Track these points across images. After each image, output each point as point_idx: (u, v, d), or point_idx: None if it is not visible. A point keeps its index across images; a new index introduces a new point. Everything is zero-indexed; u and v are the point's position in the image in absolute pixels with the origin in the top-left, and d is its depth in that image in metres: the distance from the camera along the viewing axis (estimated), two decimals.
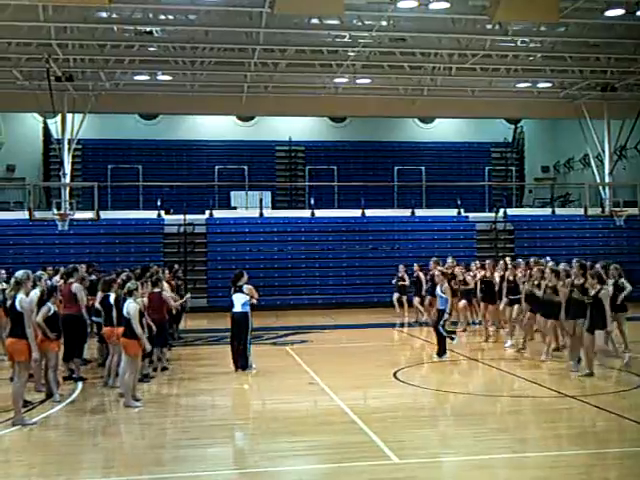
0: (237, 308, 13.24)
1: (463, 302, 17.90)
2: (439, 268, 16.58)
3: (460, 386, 12.40)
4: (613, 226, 27.04)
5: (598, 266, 14.02)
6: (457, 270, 18.30)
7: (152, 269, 14.80)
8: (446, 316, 14.15)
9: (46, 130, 30.63)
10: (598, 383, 11.66)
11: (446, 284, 14.49)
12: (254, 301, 13.39)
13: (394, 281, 21.66)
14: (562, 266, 14.27)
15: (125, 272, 12.64)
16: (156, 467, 7.98)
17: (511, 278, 15.48)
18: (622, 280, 13.73)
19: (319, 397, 11.27)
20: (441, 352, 14.16)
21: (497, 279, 16.08)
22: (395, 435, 8.90)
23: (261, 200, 27.39)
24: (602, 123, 28.04)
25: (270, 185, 31.04)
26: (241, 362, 13.25)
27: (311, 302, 24.74)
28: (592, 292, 11.85)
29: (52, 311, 10.72)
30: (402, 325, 20.40)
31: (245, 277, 13.44)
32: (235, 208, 28.70)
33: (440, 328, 14.11)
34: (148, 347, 10.74)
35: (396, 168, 30.59)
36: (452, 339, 14.35)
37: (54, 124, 28.42)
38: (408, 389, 11.90)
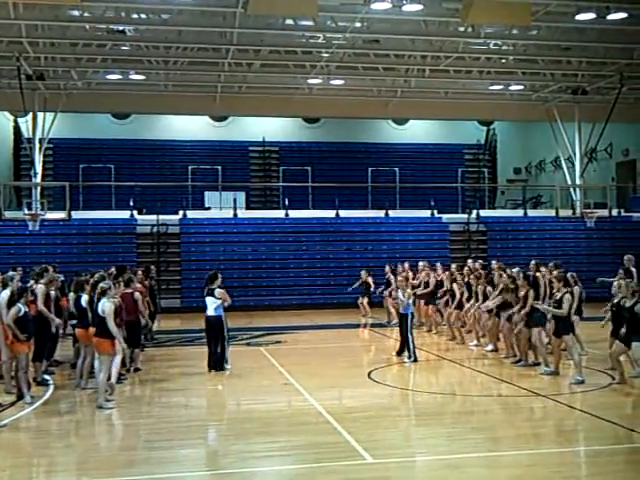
0: (210, 312, 13.19)
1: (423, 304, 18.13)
2: (402, 274, 16.63)
3: (434, 386, 12.47)
4: (584, 227, 27.39)
5: (544, 270, 14.43)
6: (410, 274, 18.51)
7: (128, 271, 14.67)
8: (409, 322, 14.10)
9: (17, 129, 30.28)
10: (567, 382, 11.77)
11: (409, 290, 14.58)
12: (226, 304, 13.32)
13: (352, 287, 21.73)
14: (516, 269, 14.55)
15: (99, 273, 12.51)
16: (129, 469, 7.92)
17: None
18: (576, 288, 13.90)
19: (293, 397, 11.26)
20: (406, 353, 14.13)
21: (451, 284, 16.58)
22: (369, 435, 8.92)
23: (235, 200, 27.30)
24: (573, 126, 28.38)
25: (244, 185, 30.99)
26: (217, 363, 13.19)
27: (285, 303, 24.70)
28: (557, 296, 12.03)
29: (22, 312, 10.58)
30: (365, 325, 20.50)
31: (219, 279, 13.35)
32: (209, 208, 28.58)
33: (408, 334, 14.09)
34: (124, 346, 10.66)
35: (370, 169, 30.67)
36: (410, 357, 13.96)
37: (25, 123, 28.08)
38: (382, 389, 11.93)
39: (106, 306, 10.49)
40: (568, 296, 11.86)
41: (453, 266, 17.50)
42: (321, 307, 24.35)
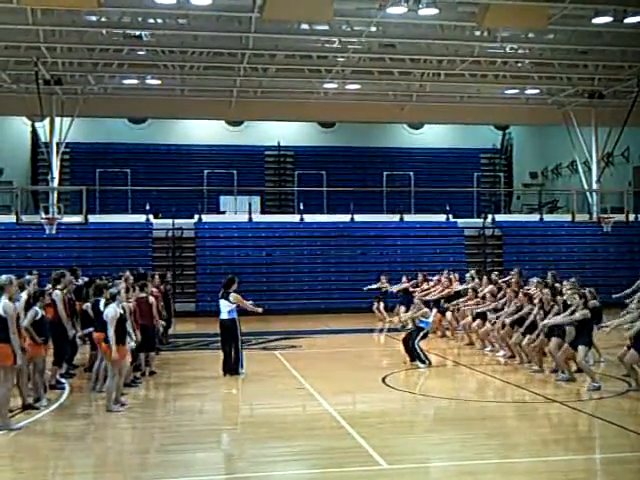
0: (223, 315, 13.27)
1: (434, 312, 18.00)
2: (419, 296, 16.53)
3: (448, 391, 12.40)
4: (600, 233, 27.17)
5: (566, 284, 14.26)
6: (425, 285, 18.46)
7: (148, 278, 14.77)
8: (420, 335, 14.03)
9: (34, 134, 30.48)
10: (583, 388, 11.68)
11: (426, 309, 14.50)
12: (250, 309, 13.39)
13: (373, 287, 21.76)
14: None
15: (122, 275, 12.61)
16: (143, 472, 7.94)
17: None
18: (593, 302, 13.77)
19: (308, 402, 11.25)
20: (424, 361, 14.06)
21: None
22: (383, 440, 8.89)
23: (250, 205, 27.35)
24: (590, 130, 28.21)
25: (259, 190, 31.04)
26: (232, 367, 13.22)
27: (300, 307, 24.68)
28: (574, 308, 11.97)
29: (39, 315, 10.64)
30: (382, 330, 20.47)
31: (236, 284, 13.42)
32: (224, 213, 28.65)
33: (416, 345, 14.04)
34: (115, 355, 10.39)
35: (385, 173, 30.64)
36: (423, 362, 13.97)
37: (42, 128, 28.23)
38: (397, 394, 11.89)
39: (109, 312, 10.48)
40: (586, 311, 11.80)
41: (494, 275, 17.21)
42: (336, 311, 24.32)
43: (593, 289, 13.81)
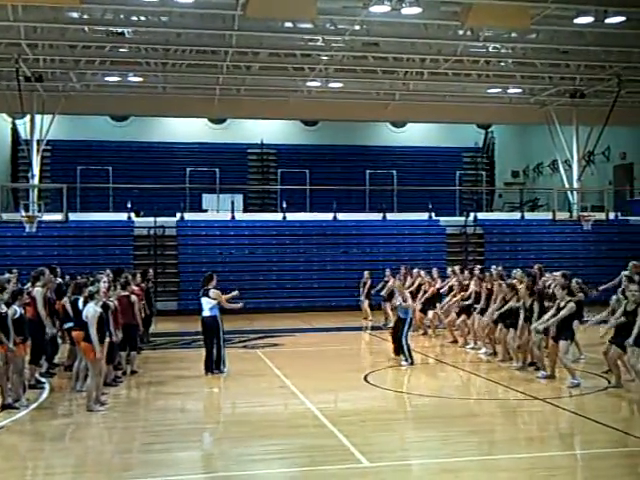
0: (205, 312, 13.24)
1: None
2: (397, 281, 16.44)
3: (430, 389, 12.45)
4: (580, 231, 27.36)
5: (549, 276, 14.49)
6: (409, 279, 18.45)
7: (124, 275, 14.65)
8: (406, 327, 14.05)
9: (14, 131, 30.28)
10: (564, 386, 11.76)
11: (406, 294, 14.51)
12: (227, 307, 13.33)
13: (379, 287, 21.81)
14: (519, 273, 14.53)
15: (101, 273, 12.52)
16: (124, 472, 7.90)
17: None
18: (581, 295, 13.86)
19: (290, 400, 11.25)
20: (407, 359, 14.08)
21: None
22: (365, 438, 8.91)
23: (233, 203, 27.27)
24: (571, 129, 28.40)
25: (242, 188, 30.97)
26: (214, 365, 13.19)
27: (282, 305, 24.66)
28: (562, 304, 12.01)
29: (18, 314, 10.54)
30: (366, 328, 20.49)
31: (215, 280, 13.38)
32: (206, 211, 28.56)
33: (403, 339, 14.08)
34: (99, 354, 10.34)
35: (368, 172, 30.66)
36: (406, 360, 13.95)
37: (23, 125, 28.07)
38: (378, 392, 11.92)
39: (89, 311, 10.38)
40: (572, 305, 11.88)
41: (477, 270, 17.14)
42: (318, 310, 24.32)
43: (581, 280, 13.93)
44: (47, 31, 20.70)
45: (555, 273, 14.68)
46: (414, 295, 17.35)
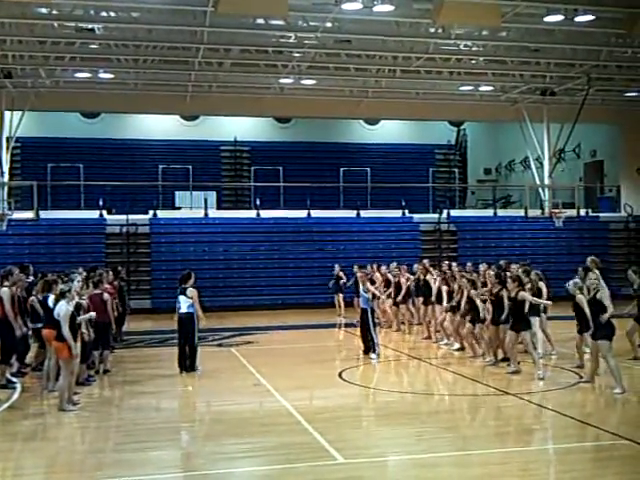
0: (183, 309, 13.20)
1: (389, 303, 18.16)
2: (362, 270, 16.57)
3: (404, 385, 12.52)
4: (552, 227, 27.69)
5: (515, 267, 14.71)
6: (377, 275, 18.48)
7: (98, 272, 14.52)
8: (370, 316, 14.22)
9: None
10: (537, 381, 11.89)
11: (368, 284, 14.68)
12: (199, 313, 13.24)
13: (331, 283, 21.90)
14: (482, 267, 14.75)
15: (74, 272, 12.37)
16: (98, 471, 7.83)
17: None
18: (541, 283, 14.05)
19: (264, 398, 11.23)
20: (371, 349, 14.20)
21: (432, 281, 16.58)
22: (340, 435, 8.93)
23: (206, 200, 27.15)
24: (542, 126, 28.67)
25: (215, 185, 30.83)
26: (188, 363, 13.14)
27: (257, 303, 24.63)
28: (512, 294, 12.30)
29: None
30: (340, 326, 20.55)
31: (192, 279, 13.35)
32: (179, 208, 28.39)
33: (372, 331, 14.19)
34: (75, 352, 10.24)
35: (341, 169, 30.69)
36: (374, 351, 14.19)
37: None
38: (353, 389, 11.96)
39: (62, 310, 10.25)
40: (523, 293, 12.15)
41: (445, 265, 17.24)
42: (292, 307, 24.34)
43: (540, 271, 14.14)
44: (15, 27, 20.40)
45: (513, 266, 15.01)
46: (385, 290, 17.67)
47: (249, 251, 25.79)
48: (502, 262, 16.52)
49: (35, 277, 14.90)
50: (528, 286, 12.82)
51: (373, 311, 14.87)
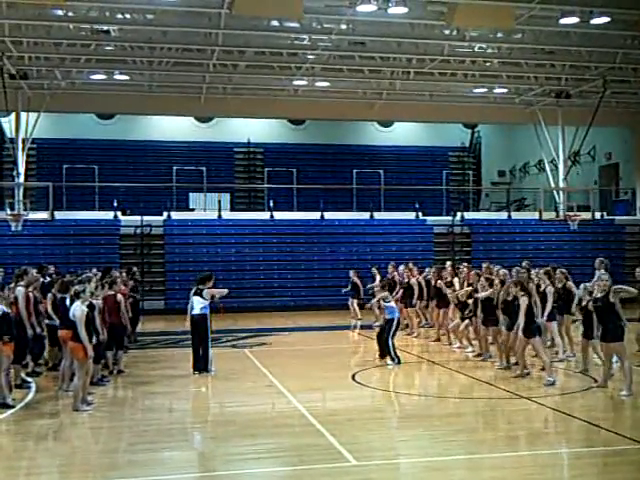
0: (196, 310, 13.21)
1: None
2: (378, 281, 16.50)
3: (417, 388, 12.49)
4: (567, 230, 27.54)
5: (534, 272, 14.55)
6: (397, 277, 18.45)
7: (113, 273, 14.60)
8: (393, 328, 13.99)
9: None
10: (550, 385, 11.83)
11: (386, 293, 14.36)
12: (225, 292, 13.46)
13: (344, 291, 21.86)
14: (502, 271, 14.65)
15: (86, 273, 12.44)
16: (111, 471, 7.87)
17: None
18: (570, 283, 14.06)
19: (277, 400, 11.25)
20: (394, 358, 14.07)
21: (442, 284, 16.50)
22: (352, 437, 8.92)
23: (219, 202, 27.24)
24: (557, 129, 28.54)
25: (229, 187, 30.92)
26: (201, 364, 13.17)
27: (269, 304, 24.67)
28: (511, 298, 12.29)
29: (1, 312, 10.45)
30: (355, 327, 20.52)
31: (212, 281, 13.39)
32: (193, 209, 28.49)
33: (389, 340, 14.05)
34: (91, 353, 10.30)
35: (355, 171, 30.70)
36: (392, 360, 13.92)
37: (8, 123, 27.86)
38: (366, 391, 11.95)
39: (77, 311, 10.30)
40: (525, 299, 12.02)
41: (464, 267, 17.12)
42: (305, 309, 24.35)
43: (565, 270, 14.08)
44: (32, 28, 20.57)
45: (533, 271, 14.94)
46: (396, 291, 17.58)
47: (262, 253, 25.83)
48: (525, 263, 16.50)
49: (57, 275, 14.98)
50: (547, 287, 12.79)
51: (399, 323, 14.51)
